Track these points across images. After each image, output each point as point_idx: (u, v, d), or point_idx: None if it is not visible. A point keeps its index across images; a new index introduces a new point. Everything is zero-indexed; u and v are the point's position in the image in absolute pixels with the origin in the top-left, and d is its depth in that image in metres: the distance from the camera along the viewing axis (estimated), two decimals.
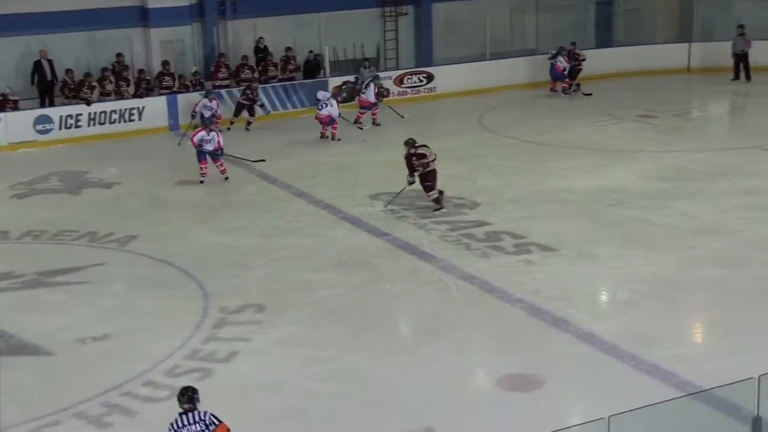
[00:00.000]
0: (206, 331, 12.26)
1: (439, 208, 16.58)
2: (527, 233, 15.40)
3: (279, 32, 26.20)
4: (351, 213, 16.82)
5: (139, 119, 23.31)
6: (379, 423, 10.06)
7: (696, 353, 11.63)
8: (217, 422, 8.25)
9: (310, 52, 25.83)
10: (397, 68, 27.12)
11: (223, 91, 23.95)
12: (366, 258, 14.76)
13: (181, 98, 23.57)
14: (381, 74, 25.61)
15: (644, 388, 10.40)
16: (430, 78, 26.50)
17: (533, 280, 13.64)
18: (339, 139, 21.86)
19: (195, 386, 8.50)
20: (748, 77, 26.81)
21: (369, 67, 25.16)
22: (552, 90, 26.42)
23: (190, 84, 24.43)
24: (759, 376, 6.41)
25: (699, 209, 16.47)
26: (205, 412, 8.27)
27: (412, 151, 16.59)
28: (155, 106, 23.50)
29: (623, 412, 6.47)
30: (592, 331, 11.93)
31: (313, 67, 25.66)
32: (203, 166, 18.91)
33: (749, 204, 16.59)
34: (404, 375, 11.06)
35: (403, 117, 23.40)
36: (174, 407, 8.28)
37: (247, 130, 23.44)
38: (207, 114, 21.72)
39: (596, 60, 28.04)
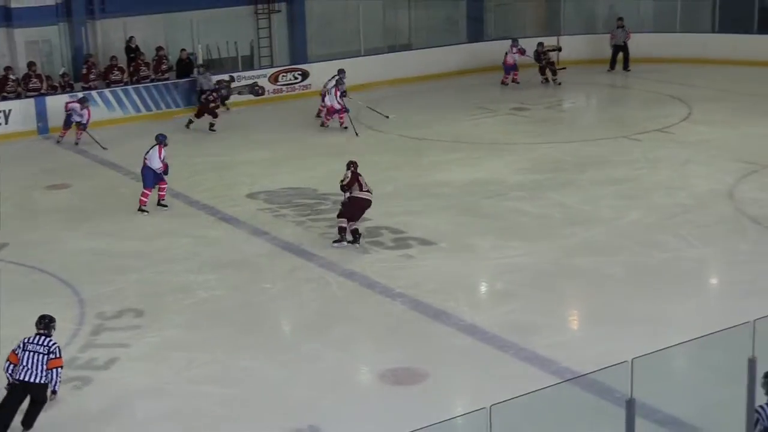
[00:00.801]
0: (83, 338, 11.98)
1: (354, 241, 14.75)
2: (406, 228, 15.52)
3: (150, 31, 25.75)
4: (229, 213, 16.67)
5: (6, 123, 22.57)
6: (265, 422, 10.02)
7: (573, 340, 11.92)
8: (56, 355, 9.55)
9: (183, 50, 25.46)
10: (271, 66, 26.96)
11: (94, 92, 23.40)
12: (245, 258, 14.64)
13: (50, 100, 22.92)
14: (255, 72, 25.48)
15: (525, 375, 10.61)
16: (305, 75, 26.41)
17: (413, 274, 13.76)
18: (346, 127, 21.84)
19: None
20: (627, 67, 27.55)
21: (204, 73, 24.51)
22: (503, 83, 26.45)
23: (58, 85, 23.79)
24: (632, 360, 6.60)
25: (572, 199, 16.87)
26: (54, 343, 9.62)
27: (358, 171, 14.95)
28: (22, 109, 22.80)
29: (504, 401, 6.59)
30: (473, 323, 12.11)
31: (186, 67, 25.30)
32: (148, 192, 16.84)
33: (619, 193, 17.08)
34: (288, 374, 11.04)
35: (388, 117, 23.09)
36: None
37: (213, 130, 22.80)
38: (76, 119, 21.25)
39: (469, 53, 28.50)
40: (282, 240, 15.25)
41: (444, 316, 12.35)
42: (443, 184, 17.94)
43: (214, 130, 22.48)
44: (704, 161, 18.69)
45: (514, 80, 26.48)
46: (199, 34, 26.19)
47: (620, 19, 28.15)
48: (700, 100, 23.69)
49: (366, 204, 14.83)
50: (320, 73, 26.16)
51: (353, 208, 14.75)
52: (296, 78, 26.30)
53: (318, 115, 22.79)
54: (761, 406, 7.46)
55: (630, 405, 6.70)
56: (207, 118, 22.59)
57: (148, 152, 16.82)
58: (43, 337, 9.69)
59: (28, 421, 9.61)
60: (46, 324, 9.81)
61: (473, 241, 15.02)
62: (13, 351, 9.77)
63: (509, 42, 26.77)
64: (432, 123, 22.70)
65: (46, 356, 9.57)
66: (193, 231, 15.88)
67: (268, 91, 25.73)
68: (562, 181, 17.86)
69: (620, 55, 27.61)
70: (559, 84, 25.96)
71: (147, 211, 16.70)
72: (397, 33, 29.77)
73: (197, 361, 11.35)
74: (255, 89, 24.92)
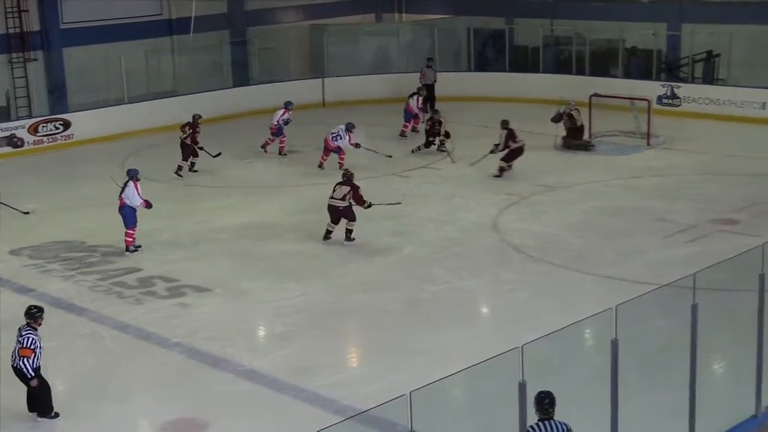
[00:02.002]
0: None
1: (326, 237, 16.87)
2: (180, 276, 15.29)
3: None
4: None
5: None
6: None
7: (353, 377, 12.06)
8: (22, 345, 10.55)
9: None
10: (30, 116, 25.95)
11: None
12: (12, 318, 13.92)
13: None
14: (12, 123, 24.52)
15: (306, 417, 10.64)
16: (66, 125, 25.56)
17: (189, 323, 13.56)
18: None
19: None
20: (433, 107, 27.24)
21: None
22: (402, 135, 25.29)
23: None
24: (410, 392, 6.74)
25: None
26: (29, 337, 10.57)
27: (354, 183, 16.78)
28: None
29: None
30: (252, 368, 12.05)
31: None
32: (132, 232, 16.59)
33: (391, 229, 17.46)
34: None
35: (390, 157, 22.63)
36: None
37: (195, 171, 22.06)
38: None
39: (235, 98, 28.51)
40: (50, 296, 14.66)
41: (223, 363, 12.21)
42: (218, 230, 17.80)
43: None
44: (469, 195, 19.41)
45: (414, 129, 25.39)
46: None
47: (430, 59, 28.78)
48: (463, 137, 24.59)
49: (330, 209, 16.76)
50: (83, 122, 25.49)
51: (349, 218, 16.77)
52: (57, 128, 25.42)
53: (320, 166, 22.17)
54: (532, 426, 7.78)
55: None
56: None
57: (122, 191, 16.34)
58: (23, 328, 10.75)
59: (31, 405, 10.92)
60: (31, 314, 10.84)
61: (249, 285, 14.96)
62: None
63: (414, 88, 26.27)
64: (203, 169, 22.47)
65: (20, 345, 10.62)
66: None
67: (27, 142, 24.73)
68: None
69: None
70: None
71: (137, 251, 16.45)
72: (162, 79, 29.39)
73: None
74: (13, 141, 23.92)
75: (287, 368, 12.00)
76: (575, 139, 23.31)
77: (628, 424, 8.60)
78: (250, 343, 13.14)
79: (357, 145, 21.74)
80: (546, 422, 7.91)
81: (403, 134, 25.31)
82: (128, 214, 16.33)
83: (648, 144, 23.26)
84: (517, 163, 21.51)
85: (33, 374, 10.64)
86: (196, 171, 22.25)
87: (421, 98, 25.60)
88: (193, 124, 22.18)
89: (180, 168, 22.04)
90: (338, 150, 21.81)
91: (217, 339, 12.93)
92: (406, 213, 18.34)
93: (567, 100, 23.83)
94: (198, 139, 22.02)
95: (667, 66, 29.33)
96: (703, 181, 20.22)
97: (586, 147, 23.11)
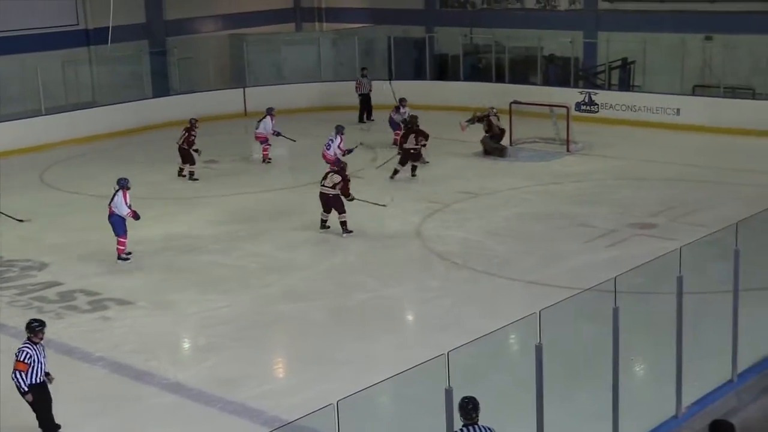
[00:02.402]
0: None
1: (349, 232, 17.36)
2: (102, 289, 15.08)
3: None
4: None
5: None
6: None
7: (280, 387, 12.01)
8: (17, 358, 10.41)
9: None
10: None
11: None
12: None
13: None
14: None
15: (233, 429, 10.57)
16: None
17: (112, 336, 13.39)
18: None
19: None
20: (370, 117, 27.89)
21: None
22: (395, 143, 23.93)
23: None
24: (337, 402, 6.75)
25: (268, 248, 17.05)
26: (24, 351, 10.44)
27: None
28: None
29: None
30: (177, 380, 11.93)
31: None
32: (124, 240, 16.57)
33: (314, 238, 17.44)
34: None
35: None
36: None
37: (195, 180, 22.02)
38: None
39: (155, 108, 28.24)
40: None
41: (147, 377, 12.07)
42: (137, 242, 17.55)
43: None
44: (394, 203, 19.44)
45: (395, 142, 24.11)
46: None
47: (364, 68, 28.76)
48: (386, 143, 24.67)
49: (321, 196, 17.58)
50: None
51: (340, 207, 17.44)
52: None
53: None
54: (458, 431, 7.85)
55: None
56: None
57: (112, 199, 16.28)
58: (25, 341, 10.64)
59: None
60: (31, 329, 10.65)
61: (172, 297, 14.81)
62: None
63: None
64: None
65: (15, 358, 10.51)
66: None
67: None
68: (257, 231, 18.00)
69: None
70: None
71: (128, 258, 16.19)
72: (80, 90, 28.97)
73: None
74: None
75: (213, 380, 11.91)
76: (494, 143, 23.53)
77: (553, 427, 8.70)
78: (174, 356, 13.00)
79: (348, 151, 21.09)
80: (470, 427, 7.98)
81: (395, 143, 24.14)
82: (117, 223, 16.29)
83: (567, 150, 23.61)
84: (440, 170, 21.68)
85: (26, 389, 10.43)
86: (196, 179, 22.20)
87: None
88: (189, 128, 22.33)
89: (182, 170, 22.37)
90: (337, 161, 20.23)
91: (140, 352, 12.77)
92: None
93: (486, 108, 24.06)
94: (194, 142, 22.19)
95: (584, 73, 29.84)
96: (621, 186, 20.59)
97: (501, 153, 23.32)
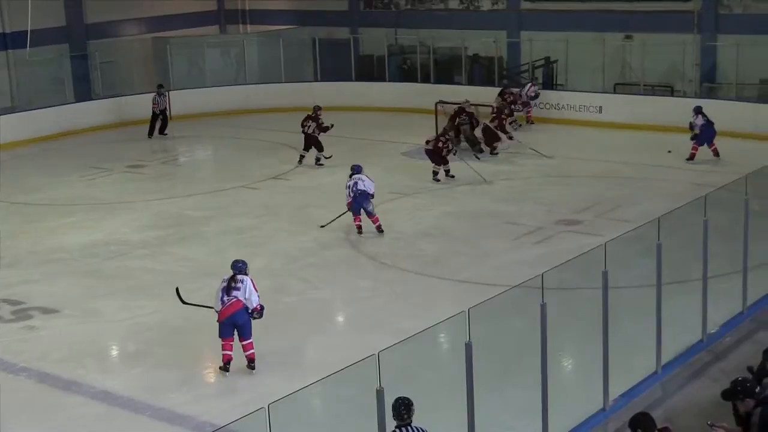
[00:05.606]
0: None
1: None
2: (25, 298, 14.81)
3: None
4: None
5: None
6: None
7: (210, 393, 11.91)
8: None
9: None
10: None
11: None
12: None
13: None
14: None
15: None
16: None
17: (38, 346, 13.15)
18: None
19: None
20: (163, 132, 27.01)
21: None
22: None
23: None
24: (268, 405, 6.72)
25: (197, 252, 16.91)
26: None
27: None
28: None
29: None
30: (105, 389, 11.76)
31: None
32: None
33: (243, 241, 17.36)
34: None
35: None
36: None
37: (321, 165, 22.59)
38: None
39: (77, 113, 27.84)
40: None
41: (75, 386, 11.88)
42: (62, 249, 17.31)
43: None
44: (321, 204, 19.41)
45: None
46: None
47: (160, 86, 27.49)
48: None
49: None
50: None
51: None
52: None
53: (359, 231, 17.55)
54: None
55: None
56: None
57: (230, 289, 12.09)
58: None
59: None
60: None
61: (99, 304, 14.60)
62: None
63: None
64: (44, 187, 21.85)
65: None
66: None
67: None
68: (185, 235, 17.86)
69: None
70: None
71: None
72: None
73: None
74: None
75: (142, 387, 11.77)
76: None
77: (485, 424, 8.78)
78: (103, 364, 12.82)
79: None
80: (403, 428, 8.01)
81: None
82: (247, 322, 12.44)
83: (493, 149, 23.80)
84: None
85: None
86: (321, 164, 22.50)
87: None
88: (315, 117, 22.57)
89: (302, 158, 22.81)
90: (365, 200, 17.22)
91: (68, 361, 12.57)
92: (256, 226, 18.28)
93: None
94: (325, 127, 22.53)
95: (508, 73, 30.12)
96: (547, 183, 20.84)
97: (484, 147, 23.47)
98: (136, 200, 20.49)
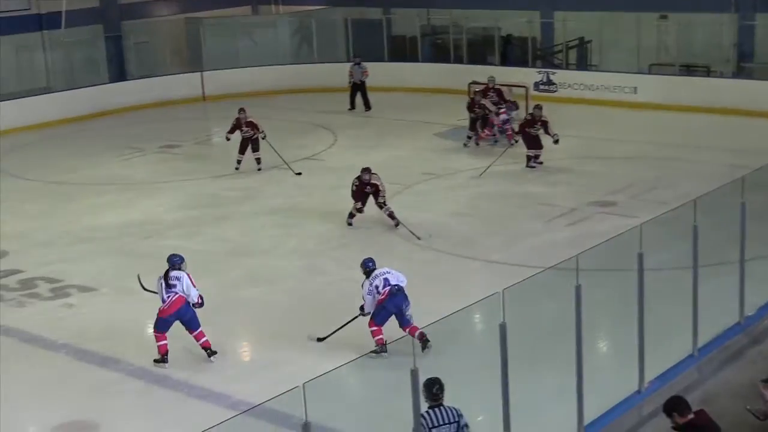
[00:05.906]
0: None
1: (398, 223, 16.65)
2: (63, 276, 14.97)
3: None
4: None
5: None
6: None
7: (246, 371, 12.00)
8: None
9: None
10: None
11: None
12: None
13: None
14: None
15: (200, 413, 10.54)
16: None
17: (76, 323, 13.30)
18: None
19: None
20: (367, 106, 26.97)
21: None
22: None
23: None
24: (304, 384, 6.75)
25: (231, 232, 17.00)
26: None
27: (366, 178, 16.54)
28: None
29: None
30: (142, 366, 11.88)
31: None
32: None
33: (276, 222, 17.43)
34: None
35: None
36: None
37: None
38: None
39: (112, 94, 28.01)
40: None
41: (112, 363, 12.02)
42: (97, 228, 17.46)
43: None
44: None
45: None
46: None
47: (356, 56, 28.01)
48: (344, 126, 24.65)
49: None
50: None
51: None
52: None
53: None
54: (422, 414, 7.88)
55: (306, 428, 6.83)
56: None
57: (167, 287, 11.98)
58: None
59: None
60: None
61: (135, 283, 14.67)
62: None
63: None
64: (79, 167, 22.03)
65: None
66: None
67: None
68: (219, 216, 17.94)
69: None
70: None
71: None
72: (34, 76, 28.61)
73: None
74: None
75: (178, 365, 11.86)
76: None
77: (519, 406, 8.77)
78: (139, 342, 12.89)
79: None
80: (436, 409, 8.03)
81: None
82: (193, 316, 12.34)
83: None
84: (402, 151, 21.74)
85: None
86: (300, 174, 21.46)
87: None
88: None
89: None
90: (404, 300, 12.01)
91: (104, 339, 12.71)
92: (290, 206, 18.33)
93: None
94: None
95: (542, 53, 29.93)
96: (581, 164, 20.73)
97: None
98: (171, 180, 20.61)
